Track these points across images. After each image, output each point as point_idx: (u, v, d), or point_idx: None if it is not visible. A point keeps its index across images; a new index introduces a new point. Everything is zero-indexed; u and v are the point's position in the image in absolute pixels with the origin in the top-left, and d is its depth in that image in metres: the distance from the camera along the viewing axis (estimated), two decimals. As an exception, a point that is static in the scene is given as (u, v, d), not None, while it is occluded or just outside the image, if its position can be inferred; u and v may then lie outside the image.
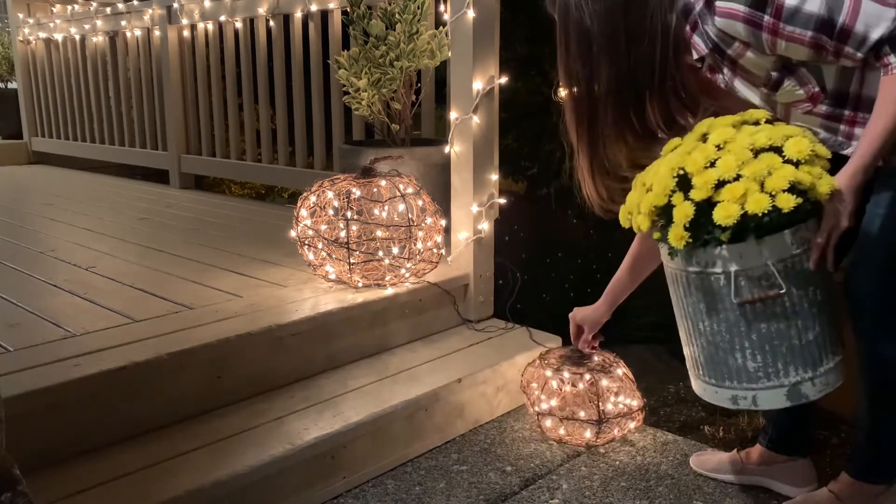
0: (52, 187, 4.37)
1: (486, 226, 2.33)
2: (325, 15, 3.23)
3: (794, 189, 1.27)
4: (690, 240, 1.32)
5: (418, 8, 2.50)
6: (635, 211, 1.41)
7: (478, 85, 2.23)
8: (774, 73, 1.39)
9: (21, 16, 5.26)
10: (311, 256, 2.20)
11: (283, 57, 3.49)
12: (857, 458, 1.56)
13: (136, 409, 1.65)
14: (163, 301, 2.07)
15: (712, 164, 1.32)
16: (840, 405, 1.94)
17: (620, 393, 1.93)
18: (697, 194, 1.31)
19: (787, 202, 1.26)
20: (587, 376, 1.91)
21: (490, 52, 2.25)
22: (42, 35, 5.12)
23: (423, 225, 2.15)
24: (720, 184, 1.30)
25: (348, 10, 2.56)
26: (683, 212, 1.32)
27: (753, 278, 1.33)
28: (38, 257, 2.60)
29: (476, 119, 2.24)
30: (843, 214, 1.31)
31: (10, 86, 5.74)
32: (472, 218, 2.30)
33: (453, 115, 2.30)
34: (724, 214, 1.28)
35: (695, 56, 1.45)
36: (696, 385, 1.50)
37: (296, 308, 2.00)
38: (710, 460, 1.81)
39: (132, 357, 1.64)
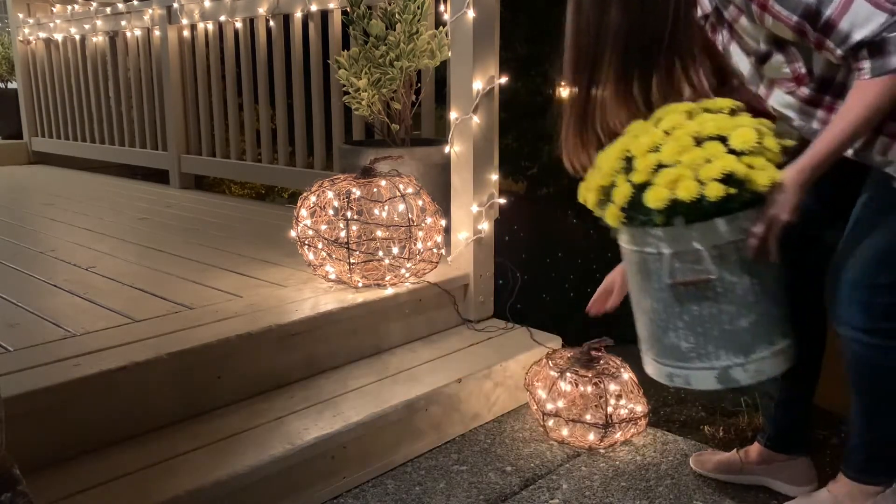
0: (52, 187, 4.37)
1: (486, 226, 2.33)
2: (325, 15, 3.23)
3: (730, 179, 1.30)
4: (626, 220, 1.38)
5: (418, 8, 2.50)
6: (586, 188, 1.47)
7: (478, 85, 2.23)
8: (764, 46, 1.38)
9: (21, 16, 5.26)
10: (311, 256, 2.20)
11: (283, 57, 3.49)
12: (851, 458, 1.55)
13: (136, 409, 1.65)
14: (163, 301, 2.07)
15: (657, 149, 1.36)
16: (840, 405, 1.94)
17: (626, 397, 1.93)
18: (637, 177, 1.35)
19: (716, 191, 1.29)
20: (594, 379, 1.91)
21: (490, 52, 2.25)
22: (42, 35, 5.12)
23: (423, 225, 2.15)
24: (660, 168, 1.33)
25: (348, 10, 2.56)
26: (622, 192, 1.36)
27: (686, 262, 1.36)
28: (38, 257, 2.60)
29: (476, 119, 2.24)
30: (784, 208, 1.32)
31: (10, 86, 5.74)
32: (472, 218, 2.30)
33: (453, 115, 2.30)
34: (655, 198, 1.32)
35: (699, 13, 1.43)
36: (643, 360, 1.53)
37: (296, 308, 2.00)
38: (709, 460, 1.81)
39: (132, 357, 1.64)
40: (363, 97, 2.57)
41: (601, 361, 1.97)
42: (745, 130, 1.33)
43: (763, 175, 1.31)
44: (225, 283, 2.25)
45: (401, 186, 2.15)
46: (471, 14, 2.19)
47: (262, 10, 3.49)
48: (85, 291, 2.15)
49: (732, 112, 1.40)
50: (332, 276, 2.21)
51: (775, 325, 1.41)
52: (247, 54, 3.70)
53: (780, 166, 1.34)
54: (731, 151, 1.32)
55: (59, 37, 4.98)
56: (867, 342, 1.41)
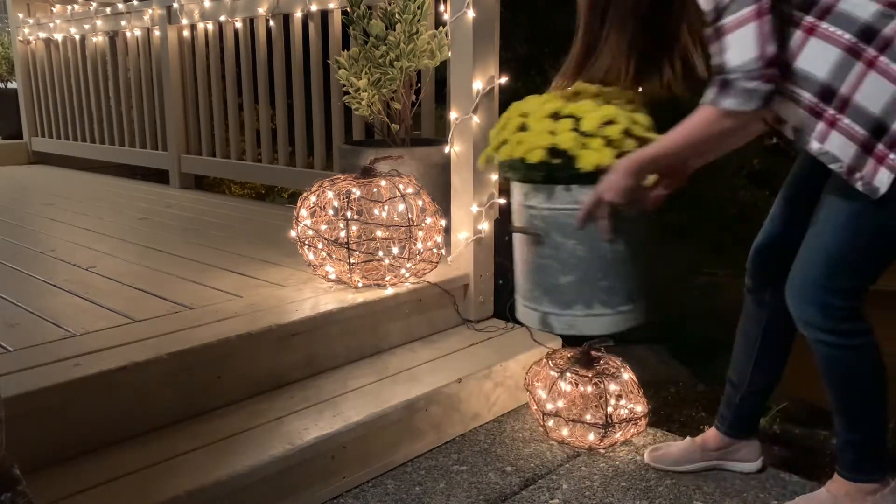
0: (52, 187, 4.37)
1: (486, 226, 2.33)
2: (325, 15, 3.23)
3: (556, 152, 1.54)
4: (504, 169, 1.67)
5: (418, 8, 2.50)
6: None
7: (478, 85, 2.23)
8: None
9: (21, 16, 5.26)
10: (311, 256, 2.20)
11: (283, 57, 3.49)
12: (842, 457, 1.56)
13: (136, 409, 1.65)
14: (163, 301, 2.07)
15: (524, 119, 1.62)
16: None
17: (626, 397, 1.93)
18: (504, 134, 1.64)
19: (536, 156, 1.55)
20: (594, 380, 1.91)
21: (490, 52, 2.25)
22: (42, 35, 5.12)
23: (423, 225, 2.15)
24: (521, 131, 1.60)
25: (348, 10, 2.56)
26: (493, 145, 1.68)
27: (530, 215, 1.63)
28: (38, 257, 2.60)
29: (476, 119, 2.24)
30: (608, 187, 1.48)
31: (10, 86, 5.73)
32: (472, 218, 2.30)
33: (453, 115, 2.30)
34: (502, 152, 1.63)
35: None
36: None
37: (296, 308, 2.00)
38: (668, 454, 1.83)
39: (132, 357, 1.64)
40: (363, 97, 2.57)
41: (601, 361, 1.97)
42: (593, 116, 1.53)
43: (591, 155, 1.51)
44: (225, 283, 2.25)
45: (401, 186, 2.15)
46: (471, 14, 2.19)
47: (262, 10, 3.49)
48: (85, 291, 2.15)
49: (630, 102, 1.60)
50: (332, 276, 2.21)
51: (596, 292, 1.62)
52: (247, 54, 3.70)
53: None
54: (576, 130, 1.53)
55: (59, 37, 4.98)
56: (830, 342, 1.42)
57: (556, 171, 1.55)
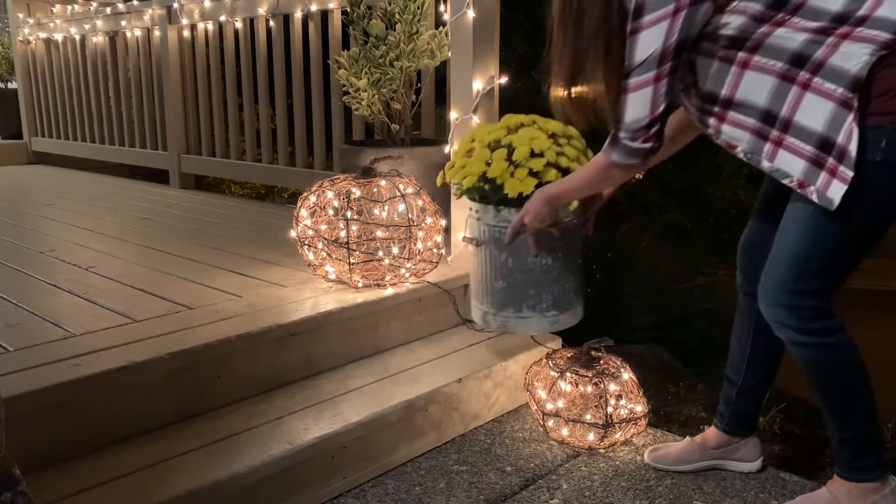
0: (52, 187, 4.37)
1: (486, 226, 2.32)
2: (325, 15, 3.23)
3: (486, 178, 1.81)
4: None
5: (418, 8, 2.50)
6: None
7: (478, 85, 2.23)
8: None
9: (21, 16, 5.26)
10: (311, 256, 2.20)
11: (283, 57, 3.49)
12: (837, 457, 1.58)
13: (136, 409, 1.65)
14: (163, 301, 2.07)
15: (473, 141, 1.91)
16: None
17: (626, 397, 1.93)
18: (455, 158, 1.93)
19: (468, 182, 1.84)
20: (594, 380, 1.91)
21: (490, 52, 2.25)
22: (42, 35, 5.12)
23: (423, 225, 2.15)
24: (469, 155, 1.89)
25: (348, 10, 2.56)
26: (446, 167, 1.96)
27: (476, 227, 1.92)
28: (38, 257, 2.60)
29: (476, 119, 2.24)
30: (527, 213, 1.73)
31: (10, 86, 5.73)
32: (472, 218, 2.30)
33: (453, 115, 2.30)
34: (448, 173, 1.94)
35: None
36: None
37: (296, 308, 2.00)
38: (668, 454, 1.83)
39: (132, 357, 1.64)
40: (363, 97, 2.57)
41: (601, 361, 1.97)
42: (523, 149, 1.79)
43: (515, 184, 1.78)
44: (225, 283, 2.25)
45: (401, 186, 2.15)
46: (471, 14, 2.19)
47: (262, 10, 3.49)
48: (85, 291, 2.15)
49: (565, 135, 1.85)
50: (332, 276, 2.21)
51: (525, 298, 1.90)
52: (247, 54, 3.70)
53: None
54: (507, 160, 1.80)
55: (59, 37, 4.98)
56: (805, 342, 1.46)
57: (487, 194, 1.84)
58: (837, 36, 1.28)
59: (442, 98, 2.67)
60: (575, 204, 1.80)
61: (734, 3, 1.32)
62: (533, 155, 1.79)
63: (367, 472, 1.78)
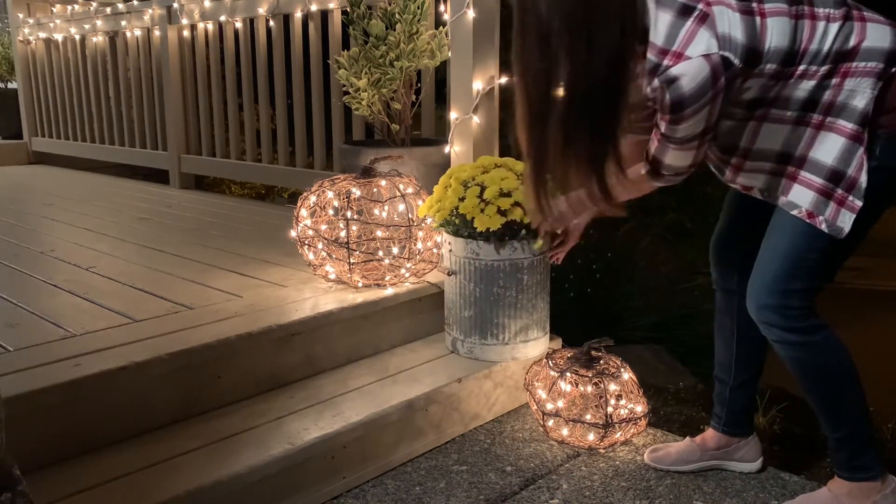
0: (52, 187, 4.37)
1: (486, 226, 2.32)
2: (325, 15, 3.23)
3: (458, 214, 1.98)
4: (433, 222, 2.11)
5: (418, 8, 2.50)
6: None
7: (478, 85, 2.23)
8: None
9: (21, 16, 5.26)
10: (311, 256, 2.20)
11: (283, 57, 3.49)
12: (835, 457, 1.59)
13: (136, 409, 1.65)
14: (163, 301, 2.07)
15: (450, 180, 2.07)
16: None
17: (626, 397, 1.93)
18: (436, 193, 2.08)
19: (440, 217, 2.02)
20: (594, 380, 1.91)
21: (490, 52, 2.25)
22: (42, 35, 5.12)
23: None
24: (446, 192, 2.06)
25: (348, 10, 2.56)
26: (426, 202, 2.11)
27: (449, 258, 2.07)
28: (38, 257, 2.60)
29: (476, 119, 2.24)
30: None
31: (10, 86, 5.73)
32: (472, 218, 2.30)
33: (453, 115, 2.30)
34: (428, 210, 2.08)
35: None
36: None
37: (296, 308, 2.00)
38: (668, 455, 1.83)
39: (132, 357, 1.64)
40: (363, 97, 2.57)
41: (601, 361, 1.97)
42: (493, 188, 1.96)
43: (484, 219, 1.94)
44: (225, 283, 2.25)
45: (401, 186, 2.15)
46: (471, 14, 2.19)
47: (262, 10, 3.49)
48: (85, 291, 2.15)
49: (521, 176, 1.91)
50: (332, 276, 2.21)
51: (490, 327, 2.05)
52: (247, 54, 3.70)
53: None
54: (479, 197, 1.96)
55: (59, 37, 4.98)
56: (792, 341, 1.48)
57: (459, 228, 2.01)
58: (839, 76, 1.35)
59: (442, 98, 2.66)
60: (540, 242, 1.95)
61: (756, 69, 1.33)
62: (502, 194, 1.95)
63: (367, 472, 1.78)
